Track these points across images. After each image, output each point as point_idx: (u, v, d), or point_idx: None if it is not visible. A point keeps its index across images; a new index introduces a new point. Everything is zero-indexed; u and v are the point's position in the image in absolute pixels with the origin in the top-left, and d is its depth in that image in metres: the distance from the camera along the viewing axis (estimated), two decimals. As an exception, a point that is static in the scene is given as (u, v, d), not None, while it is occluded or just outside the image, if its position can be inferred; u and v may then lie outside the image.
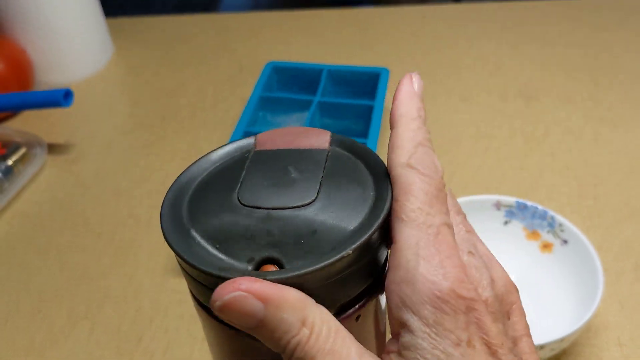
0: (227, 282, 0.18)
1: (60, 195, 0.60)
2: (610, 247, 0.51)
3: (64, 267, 0.53)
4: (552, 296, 0.46)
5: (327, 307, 0.20)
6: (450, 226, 0.21)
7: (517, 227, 0.49)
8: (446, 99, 0.68)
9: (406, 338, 0.19)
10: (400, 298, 0.20)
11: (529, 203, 0.48)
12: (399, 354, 0.20)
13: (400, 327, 0.20)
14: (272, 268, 0.20)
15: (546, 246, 0.48)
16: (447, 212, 0.21)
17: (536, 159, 0.60)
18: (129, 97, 0.72)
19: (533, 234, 0.48)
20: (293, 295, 0.18)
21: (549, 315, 0.45)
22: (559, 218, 0.47)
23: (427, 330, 0.19)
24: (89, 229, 0.56)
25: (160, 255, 0.53)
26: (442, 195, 0.21)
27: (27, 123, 0.69)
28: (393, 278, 0.20)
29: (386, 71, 0.62)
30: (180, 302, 0.49)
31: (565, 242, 0.47)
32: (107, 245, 0.55)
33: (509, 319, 0.23)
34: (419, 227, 0.20)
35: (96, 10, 0.75)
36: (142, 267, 0.52)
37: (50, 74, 0.73)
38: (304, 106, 0.61)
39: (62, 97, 0.59)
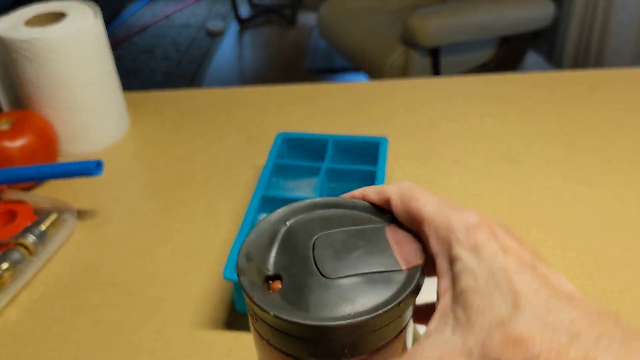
0: None
1: (90, 257, 0.65)
2: (593, 294, 0.57)
3: (97, 323, 0.57)
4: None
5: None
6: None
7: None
8: (438, 161, 0.75)
9: (458, 266, 0.27)
10: (448, 245, 0.27)
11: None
12: (453, 284, 0.27)
13: (451, 263, 0.27)
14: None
15: (536, 293, 0.54)
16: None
17: (521, 216, 0.66)
18: (147, 165, 0.78)
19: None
20: None
21: None
22: (546, 268, 0.53)
23: (473, 252, 0.26)
24: (118, 287, 0.61)
25: (185, 310, 0.58)
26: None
27: (53, 191, 0.75)
28: (437, 236, 0.28)
29: (385, 140, 0.69)
30: (207, 352, 0.54)
31: (552, 289, 0.53)
32: (136, 302, 0.59)
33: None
34: (437, 203, 0.29)
35: (116, 85, 0.81)
36: (170, 321, 0.57)
37: (74, 144, 0.79)
38: (312, 172, 0.67)
39: (94, 167, 0.65)
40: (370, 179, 0.66)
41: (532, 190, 0.70)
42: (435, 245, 0.28)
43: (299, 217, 0.32)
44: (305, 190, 0.67)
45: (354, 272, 0.28)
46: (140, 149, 0.81)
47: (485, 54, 2.14)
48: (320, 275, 0.28)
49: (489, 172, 0.73)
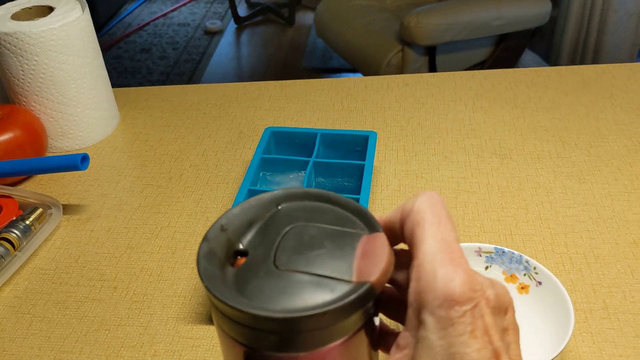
0: None
1: (76, 252, 0.64)
2: (581, 288, 0.56)
3: (83, 319, 0.57)
4: (529, 333, 0.51)
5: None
6: (457, 240, 0.27)
7: (497, 271, 0.55)
8: (429, 156, 0.75)
9: (421, 332, 0.25)
10: (420, 303, 0.25)
11: (506, 249, 0.54)
12: (414, 344, 0.25)
13: (417, 323, 0.26)
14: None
15: (523, 288, 0.53)
16: (455, 230, 0.27)
17: (512, 211, 0.66)
18: (136, 161, 0.77)
19: (511, 277, 0.54)
20: None
21: (527, 350, 0.50)
22: (534, 262, 0.53)
23: (439, 326, 0.24)
24: (104, 282, 0.61)
25: (172, 305, 0.58)
26: (449, 216, 0.27)
27: (40, 186, 0.74)
28: (415, 288, 0.26)
29: (374, 134, 0.69)
30: (192, 347, 0.53)
31: (539, 283, 0.52)
32: (122, 297, 0.59)
33: (505, 314, 0.28)
34: (436, 243, 0.26)
35: (105, 80, 0.81)
36: (156, 316, 0.57)
37: (62, 140, 0.79)
38: (300, 166, 0.67)
39: (79, 161, 0.64)
40: (359, 173, 0.65)
41: (523, 186, 0.69)
42: (411, 294, 0.26)
43: (292, 203, 0.31)
44: (293, 185, 0.66)
45: (303, 269, 0.27)
46: (129, 145, 0.81)
47: (482, 53, 2.13)
48: (272, 263, 0.28)
49: (479, 167, 0.73)
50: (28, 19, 0.73)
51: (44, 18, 0.73)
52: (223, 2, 3.74)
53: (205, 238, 0.29)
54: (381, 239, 0.28)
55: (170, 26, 3.49)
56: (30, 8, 0.77)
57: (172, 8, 3.70)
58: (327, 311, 0.25)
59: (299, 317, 0.25)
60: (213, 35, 3.38)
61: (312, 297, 0.26)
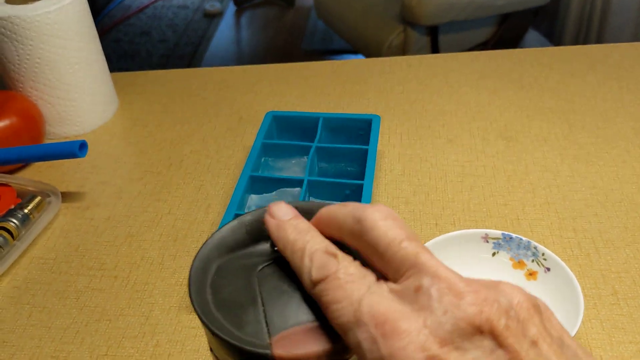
0: None
1: (76, 241, 0.63)
2: (590, 274, 0.55)
3: (83, 309, 0.56)
4: (539, 320, 0.50)
5: None
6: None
7: (504, 258, 0.54)
8: (433, 140, 0.73)
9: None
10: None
11: (514, 235, 0.53)
12: None
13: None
14: None
15: (531, 274, 0.52)
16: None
17: (518, 196, 0.65)
18: (136, 147, 0.76)
19: (519, 264, 0.53)
20: None
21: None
22: (542, 248, 0.52)
23: None
24: (105, 272, 0.60)
25: (173, 294, 0.57)
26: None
27: (38, 173, 0.73)
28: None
29: (377, 118, 0.68)
30: (195, 337, 0.53)
31: (548, 270, 0.51)
32: (122, 286, 0.58)
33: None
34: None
35: (103, 65, 0.79)
36: (157, 306, 0.56)
37: (60, 126, 0.77)
38: (302, 151, 0.66)
39: (77, 148, 0.63)
40: (362, 158, 0.64)
41: (529, 169, 0.68)
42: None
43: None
44: (295, 170, 0.65)
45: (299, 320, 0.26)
46: (129, 131, 0.80)
47: (485, 33, 2.11)
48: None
49: (484, 150, 0.71)
50: (22, 3, 0.72)
51: (39, 1, 0.71)
52: (222, -16, 3.70)
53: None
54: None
55: (170, 8, 3.46)
56: (24, -9, 0.75)
57: (171, -10, 3.66)
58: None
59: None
60: (212, 17, 3.35)
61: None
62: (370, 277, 0.24)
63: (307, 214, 0.28)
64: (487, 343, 0.21)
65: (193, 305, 0.26)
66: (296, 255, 0.26)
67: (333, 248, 0.25)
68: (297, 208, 0.29)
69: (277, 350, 0.24)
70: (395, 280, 0.23)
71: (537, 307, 0.23)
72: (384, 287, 0.23)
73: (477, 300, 0.22)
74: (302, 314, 0.25)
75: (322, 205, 0.28)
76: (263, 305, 0.26)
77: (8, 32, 0.70)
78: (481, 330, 0.21)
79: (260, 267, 0.28)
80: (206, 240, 0.29)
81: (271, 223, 0.27)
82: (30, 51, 0.71)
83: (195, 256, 0.28)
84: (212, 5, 3.43)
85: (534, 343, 0.22)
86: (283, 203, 0.28)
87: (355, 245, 0.26)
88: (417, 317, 0.22)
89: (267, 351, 0.24)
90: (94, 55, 0.77)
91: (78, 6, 0.72)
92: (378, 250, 0.24)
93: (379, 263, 0.24)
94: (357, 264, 0.24)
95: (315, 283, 0.24)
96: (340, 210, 0.26)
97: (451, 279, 0.22)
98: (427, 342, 0.21)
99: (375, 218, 0.24)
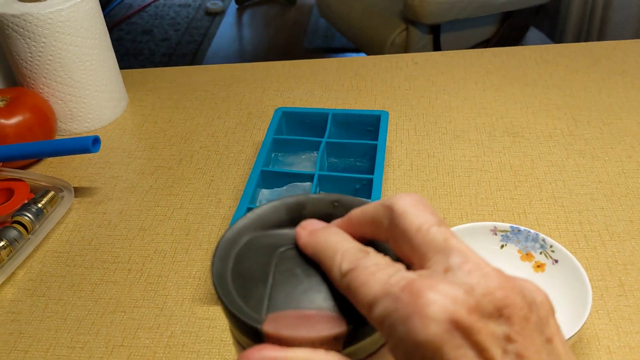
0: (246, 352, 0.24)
1: (89, 235, 0.64)
2: (596, 266, 0.56)
3: (98, 301, 0.57)
4: (547, 311, 0.51)
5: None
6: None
7: (512, 250, 0.54)
8: (440, 136, 0.74)
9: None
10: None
11: (522, 228, 0.54)
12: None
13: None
14: None
15: (539, 266, 0.53)
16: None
17: (525, 190, 0.66)
18: (146, 143, 0.77)
19: (527, 256, 0.54)
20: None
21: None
22: (550, 240, 0.53)
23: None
24: (119, 264, 0.61)
25: (187, 286, 0.58)
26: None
27: (50, 169, 0.74)
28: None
29: (386, 113, 0.68)
30: (209, 328, 0.54)
31: (556, 261, 0.52)
32: (136, 279, 0.59)
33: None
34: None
35: (113, 62, 0.80)
36: (171, 297, 0.57)
37: (71, 123, 0.78)
38: (312, 147, 0.66)
39: (90, 144, 0.64)
40: (371, 153, 0.65)
41: (535, 164, 0.69)
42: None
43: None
44: (305, 165, 0.66)
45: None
46: (139, 127, 0.81)
47: (487, 31, 2.11)
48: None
49: (491, 146, 0.72)
50: (35, 1, 0.73)
51: (52, 0, 0.72)
52: (223, -18, 3.71)
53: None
54: None
55: (171, 7, 3.47)
56: (36, -11, 0.76)
57: (173, -11, 3.67)
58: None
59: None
60: (214, 16, 3.35)
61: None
62: (399, 266, 0.24)
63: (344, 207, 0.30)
64: (504, 325, 0.22)
65: (211, 269, 0.27)
66: (327, 255, 0.26)
67: (364, 247, 0.26)
68: (338, 202, 0.30)
69: (267, 327, 0.25)
70: (422, 267, 0.24)
71: (554, 311, 0.24)
72: (413, 272, 0.24)
73: (505, 285, 0.22)
74: (304, 301, 0.26)
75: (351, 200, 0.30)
76: (272, 284, 0.27)
77: (21, 30, 0.71)
78: (501, 314, 0.22)
79: (282, 249, 0.29)
80: (245, 213, 0.29)
81: (302, 232, 0.28)
82: (43, 48, 0.72)
83: (230, 226, 0.29)
84: (213, 4, 3.43)
85: (549, 340, 0.23)
86: (314, 219, 0.29)
87: (387, 237, 0.26)
88: (444, 285, 0.22)
89: (258, 325, 0.25)
90: (104, 53, 0.78)
91: (90, 4, 0.73)
92: (407, 235, 0.24)
93: (408, 250, 0.25)
94: (387, 257, 0.25)
95: (345, 274, 0.25)
96: (370, 205, 0.27)
97: (480, 262, 0.23)
98: (455, 307, 0.21)
99: (405, 204, 0.25)
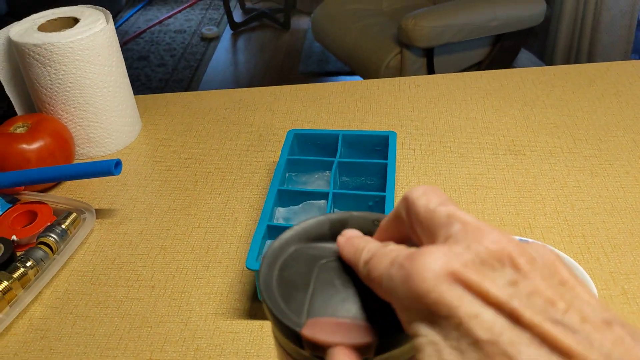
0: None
1: (111, 254, 0.67)
2: (600, 276, 0.59)
3: (124, 317, 0.59)
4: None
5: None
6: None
7: (521, 261, 0.57)
8: (445, 154, 0.77)
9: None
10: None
11: (530, 240, 0.57)
12: None
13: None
14: None
15: (547, 276, 0.56)
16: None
17: (529, 205, 0.69)
18: (162, 165, 0.80)
19: (535, 267, 0.57)
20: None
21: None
22: (557, 251, 0.55)
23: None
24: (142, 282, 0.63)
25: (209, 302, 0.60)
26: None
27: (70, 192, 0.76)
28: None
29: (394, 134, 0.72)
30: (233, 341, 0.56)
31: (563, 271, 0.55)
32: (160, 295, 0.61)
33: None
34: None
35: (129, 88, 0.83)
36: (195, 312, 0.59)
37: (88, 147, 0.81)
38: (324, 166, 0.69)
39: (113, 167, 0.67)
40: (381, 172, 0.68)
41: (538, 181, 0.72)
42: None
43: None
44: (318, 184, 0.69)
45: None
46: (154, 150, 0.83)
47: (479, 53, 2.17)
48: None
49: (494, 164, 0.76)
50: (55, 30, 0.76)
51: (71, 29, 0.75)
52: (218, 9, 3.77)
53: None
54: None
55: (167, 33, 3.52)
56: (55, 20, 0.79)
57: (168, 15, 3.72)
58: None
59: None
60: (210, 41, 3.41)
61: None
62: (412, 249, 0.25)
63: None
64: (508, 272, 0.22)
65: (258, 275, 0.30)
66: (356, 255, 0.29)
67: (387, 243, 0.29)
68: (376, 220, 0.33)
69: (305, 330, 0.27)
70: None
71: (561, 261, 0.23)
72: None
73: (502, 238, 0.23)
74: (341, 309, 0.28)
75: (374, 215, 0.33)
76: (312, 292, 0.29)
77: (42, 58, 0.74)
78: (503, 263, 0.22)
79: (324, 260, 0.31)
80: (293, 226, 0.32)
81: (341, 239, 0.31)
82: (63, 76, 0.75)
83: (278, 237, 0.32)
84: (209, 29, 3.49)
85: (563, 282, 0.22)
86: (354, 230, 0.32)
87: (408, 230, 0.29)
88: (441, 247, 0.23)
89: (297, 328, 0.27)
90: (120, 79, 0.81)
91: (108, 32, 0.77)
92: (419, 219, 0.27)
93: (421, 233, 0.26)
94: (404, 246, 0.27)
95: (366, 262, 0.27)
96: (394, 208, 0.30)
97: (481, 225, 0.24)
98: (450, 262, 0.22)
99: (418, 192, 0.28)
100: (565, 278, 0.22)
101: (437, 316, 0.21)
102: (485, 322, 0.20)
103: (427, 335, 0.22)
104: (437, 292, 0.21)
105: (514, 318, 0.20)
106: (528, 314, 0.20)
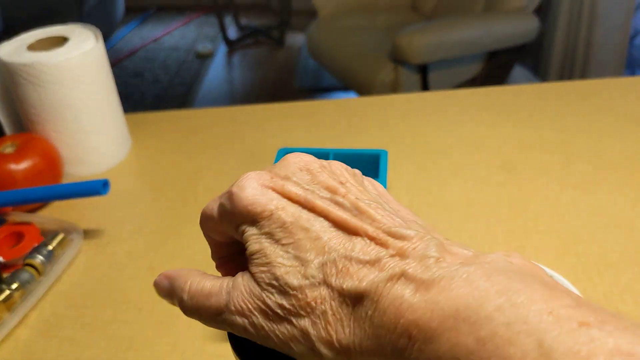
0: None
1: (99, 275, 0.66)
2: (593, 296, 0.58)
3: (111, 340, 0.58)
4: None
5: None
6: None
7: (514, 281, 0.56)
8: (438, 172, 0.77)
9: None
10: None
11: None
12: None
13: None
14: None
15: (541, 296, 0.55)
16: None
17: (522, 223, 0.68)
18: (151, 185, 0.79)
19: (528, 287, 0.56)
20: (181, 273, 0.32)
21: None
22: (549, 271, 0.55)
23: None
24: (130, 304, 0.62)
25: (197, 324, 0.59)
26: None
27: (57, 212, 0.75)
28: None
29: (385, 152, 0.71)
30: (221, 365, 0.55)
31: (556, 291, 0.54)
32: (148, 317, 0.60)
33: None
34: None
35: (118, 107, 0.83)
36: (182, 335, 0.58)
37: (77, 166, 0.80)
38: (315, 185, 0.69)
39: (101, 187, 0.66)
40: (373, 191, 0.67)
41: (531, 198, 0.72)
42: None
43: None
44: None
45: None
46: (143, 169, 0.83)
47: (473, 69, 2.18)
48: None
49: (487, 181, 0.75)
50: (44, 50, 0.75)
51: (61, 48, 0.75)
52: (213, 26, 3.78)
53: None
54: None
55: (162, 51, 3.52)
56: (44, 39, 0.78)
57: (163, 33, 3.74)
58: None
59: None
60: (204, 58, 3.41)
61: None
62: None
63: None
64: (305, 177, 0.29)
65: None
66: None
67: None
68: None
69: None
70: None
71: (354, 173, 0.30)
72: None
73: (302, 157, 0.30)
74: None
75: None
76: None
77: (31, 78, 0.73)
78: (302, 171, 0.29)
79: None
80: None
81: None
82: (52, 95, 0.74)
83: None
84: (204, 47, 3.50)
85: (343, 181, 0.29)
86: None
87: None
88: (255, 172, 0.29)
89: None
90: (110, 98, 0.80)
91: (97, 51, 0.76)
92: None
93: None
94: None
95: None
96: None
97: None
98: (261, 177, 0.29)
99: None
100: (346, 176, 0.30)
101: (256, 216, 0.28)
102: (289, 211, 0.27)
103: (250, 231, 0.28)
104: (254, 198, 0.28)
105: (309, 207, 0.27)
106: (318, 202, 0.27)
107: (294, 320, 0.26)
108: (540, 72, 2.47)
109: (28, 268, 0.63)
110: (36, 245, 0.66)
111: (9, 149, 0.74)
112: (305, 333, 0.25)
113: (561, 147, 0.80)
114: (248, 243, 0.28)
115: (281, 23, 3.51)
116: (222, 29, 3.50)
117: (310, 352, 0.25)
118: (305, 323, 0.25)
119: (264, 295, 0.27)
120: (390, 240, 0.25)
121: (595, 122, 0.85)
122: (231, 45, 3.53)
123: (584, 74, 2.31)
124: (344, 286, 0.25)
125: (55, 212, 0.75)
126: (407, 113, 0.90)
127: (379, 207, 0.28)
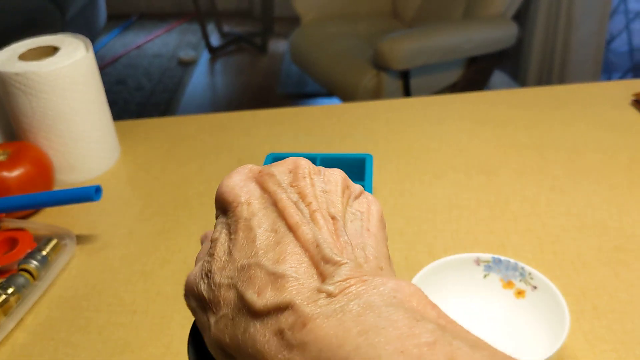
0: None
1: (93, 280, 0.67)
2: (571, 292, 0.61)
3: (106, 342, 0.60)
4: (527, 334, 0.56)
5: None
6: None
7: (494, 279, 0.59)
8: (421, 176, 0.79)
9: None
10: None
11: (503, 258, 0.59)
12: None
13: None
14: None
15: (520, 293, 0.58)
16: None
17: (502, 224, 0.71)
18: (141, 191, 0.81)
19: (508, 284, 0.59)
20: None
21: (525, 351, 0.54)
22: (529, 268, 0.57)
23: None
24: (124, 307, 0.64)
25: (190, 325, 0.61)
26: None
27: (50, 217, 0.77)
28: None
29: (370, 156, 0.74)
30: (215, 364, 0.57)
31: (535, 288, 0.57)
32: (142, 320, 0.62)
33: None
34: None
35: (108, 114, 0.84)
36: (176, 337, 0.60)
37: (68, 174, 0.82)
38: (303, 190, 0.71)
39: (93, 193, 0.67)
40: (359, 194, 0.70)
41: (510, 200, 0.75)
42: None
43: None
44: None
45: None
46: (133, 175, 0.84)
47: (454, 75, 2.21)
48: None
49: (468, 184, 0.78)
50: (35, 59, 0.77)
51: (52, 57, 0.76)
52: (196, 33, 3.79)
53: None
54: None
55: (145, 57, 3.52)
56: (35, 48, 0.80)
57: (146, 40, 3.74)
58: None
59: None
60: (187, 65, 3.42)
61: None
62: None
63: None
64: (288, 177, 0.30)
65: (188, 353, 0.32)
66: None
67: None
68: None
69: None
70: None
71: (313, 172, 0.31)
72: None
73: (294, 160, 0.31)
74: None
75: None
76: None
77: (23, 87, 0.74)
78: (290, 172, 0.30)
79: None
80: None
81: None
82: (44, 103, 0.76)
83: None
84: (186, 54, 3.50)
85: (326, 190, 0.30)
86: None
87: None
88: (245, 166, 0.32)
89: None
90: (100, 105, 0.82)
91: (88, 60, 0.78)
92: None
93: None
94: None
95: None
96: None
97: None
98: (253, 169, 0.31)
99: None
100: (333, 188, 0.30)
101: (227, 205, 0.30)
102: (252, 207, 0.29)
103: (219, 218, 0.30)
104: (232, 187, 0.30)
105: (274, 204, 0.28)
106: (283, 203, 0.28)
107: (208, 314, 0.27)
108: (520, 77, 2.52)
109: (23, 273, 0.65)
110: (30, 250, 0.68)
111: (1, 157, 0.75)
112: (208, 329, 0.27)
113: (538, 151, 0.83)
114: (214, 230, 0.30)
115: (264, 30, 3.53)
116: (205, 36, 3.51)
117: (212, 347, 0.28)
118: (212, 319, 0.27)
119: (199, 283, 0.28)
120: (321, 262, 0.25)
121: (570, 126, 0.88)
122: (214, 52, 3.54)
123: (561, 78, 2.36)
124: (246, 295, 0.25)
125: (47, 219, 0.77)
126: (391, 118, 0.93)
127: (338, 223, 0.28)
